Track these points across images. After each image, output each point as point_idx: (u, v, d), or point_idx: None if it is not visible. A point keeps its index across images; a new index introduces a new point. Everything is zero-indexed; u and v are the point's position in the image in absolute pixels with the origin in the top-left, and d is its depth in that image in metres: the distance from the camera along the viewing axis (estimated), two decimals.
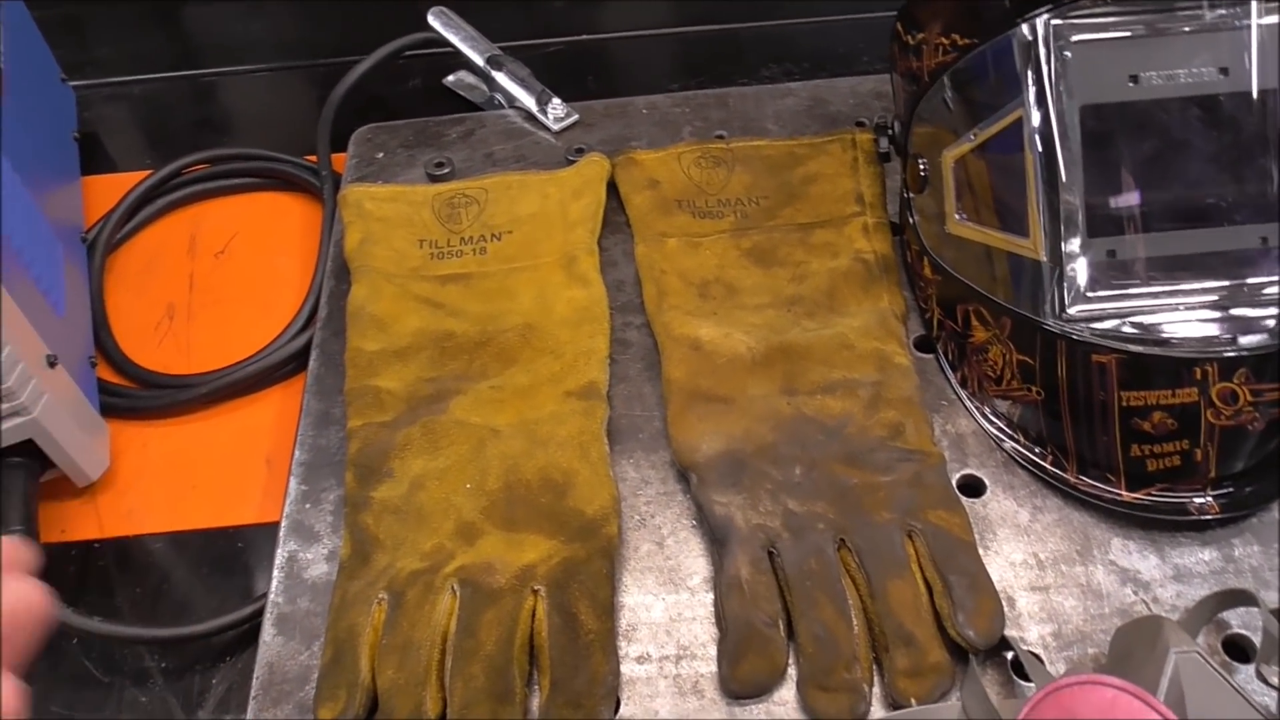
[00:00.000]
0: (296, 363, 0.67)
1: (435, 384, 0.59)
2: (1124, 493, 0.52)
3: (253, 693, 0.51)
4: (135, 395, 0.67)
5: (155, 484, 0.64)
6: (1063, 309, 0.51)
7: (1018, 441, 0.56)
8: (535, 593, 0.50)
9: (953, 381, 0.59)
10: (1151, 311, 0.51)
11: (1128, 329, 0.51)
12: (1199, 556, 0.52)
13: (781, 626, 0.49)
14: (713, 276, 0.63)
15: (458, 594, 0.50)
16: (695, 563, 0.54)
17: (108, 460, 0.63)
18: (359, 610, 0.50)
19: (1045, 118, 0.51)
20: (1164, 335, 0.50)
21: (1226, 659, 0.48)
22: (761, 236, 0.65)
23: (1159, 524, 0.53)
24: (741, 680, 0.48)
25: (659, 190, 0.67)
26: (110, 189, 0.76)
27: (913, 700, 0.47)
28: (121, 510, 0.63)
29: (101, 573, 0.60)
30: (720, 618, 0.50)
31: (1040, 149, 0.51)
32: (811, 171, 0.67)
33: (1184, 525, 0.52)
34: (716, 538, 0.52)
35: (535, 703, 0.48)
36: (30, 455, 0.58)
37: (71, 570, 0.60)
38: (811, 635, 0.48)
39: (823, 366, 0.58)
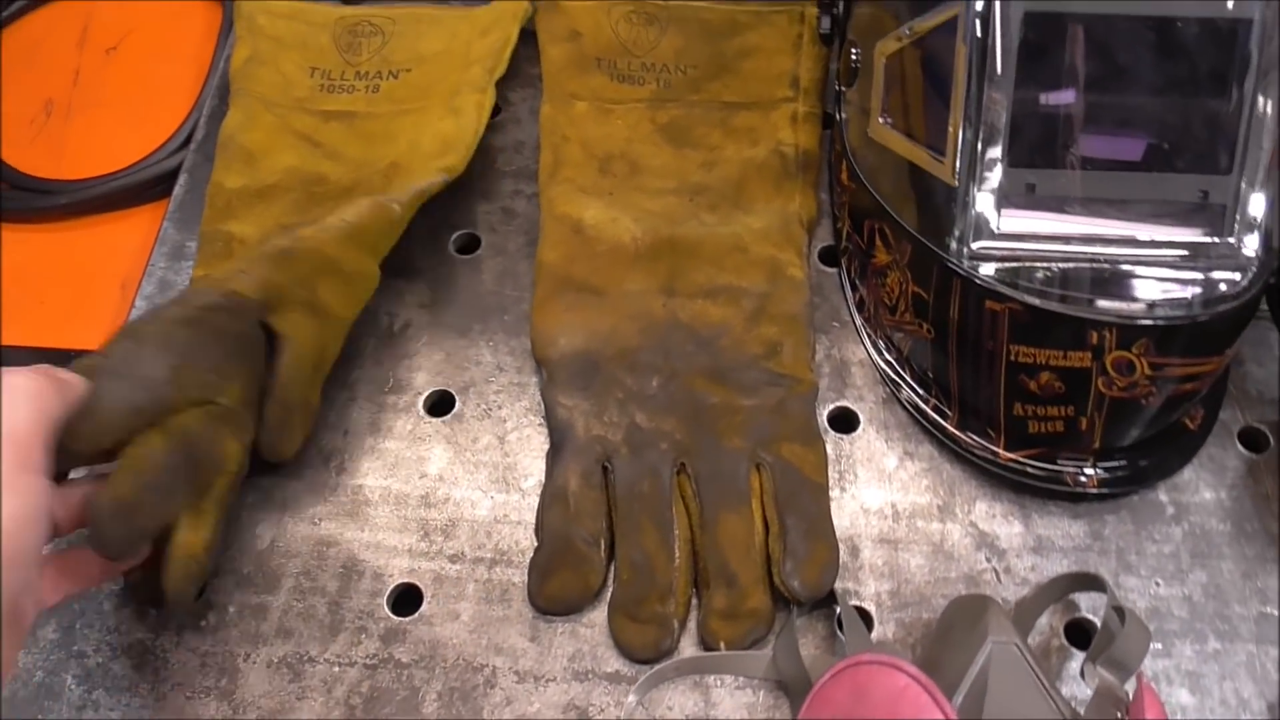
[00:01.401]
0: (167, 184, 0.62)
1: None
2: (1002, 452, 0.48)
3: None
4: None
5: (4, 291, 0.60)
6: (966, 241, 0.46)
7: (903, 379, 0.51)
8: None
9: (849, 302, 0.54)
10: (1061, 260, 0.45)
11: (1029, 277, 0.45)
12: (1065, 529, 0.48)
13: (602, 547, 0.46)
14: (618, 150, 0.57)
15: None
16: (533, 464, 0.50)
17: None
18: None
19: (984, 20, 0.44)
20: (1066, 291, 0.44)
21: (1065, 644, 0.45)
22: (680, 111, 0.59)
23: (1031, 490, 0.48)
24: (549, 596, 0.45)
25: (579, 44, 0.60)
26: None
27: (722, 644, 0.44)
28: None
29: None
30: (539, 528, 0.47)
31: (972, 56, 0.44)
32: (750, 44, 0.60)
33: (1059, 495, 0.48)
34: (553, 442, 0.49)
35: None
36: None
37: None
38: (629, 561, 0.45)
39: (710, 267, 0.53)
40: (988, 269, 0.45)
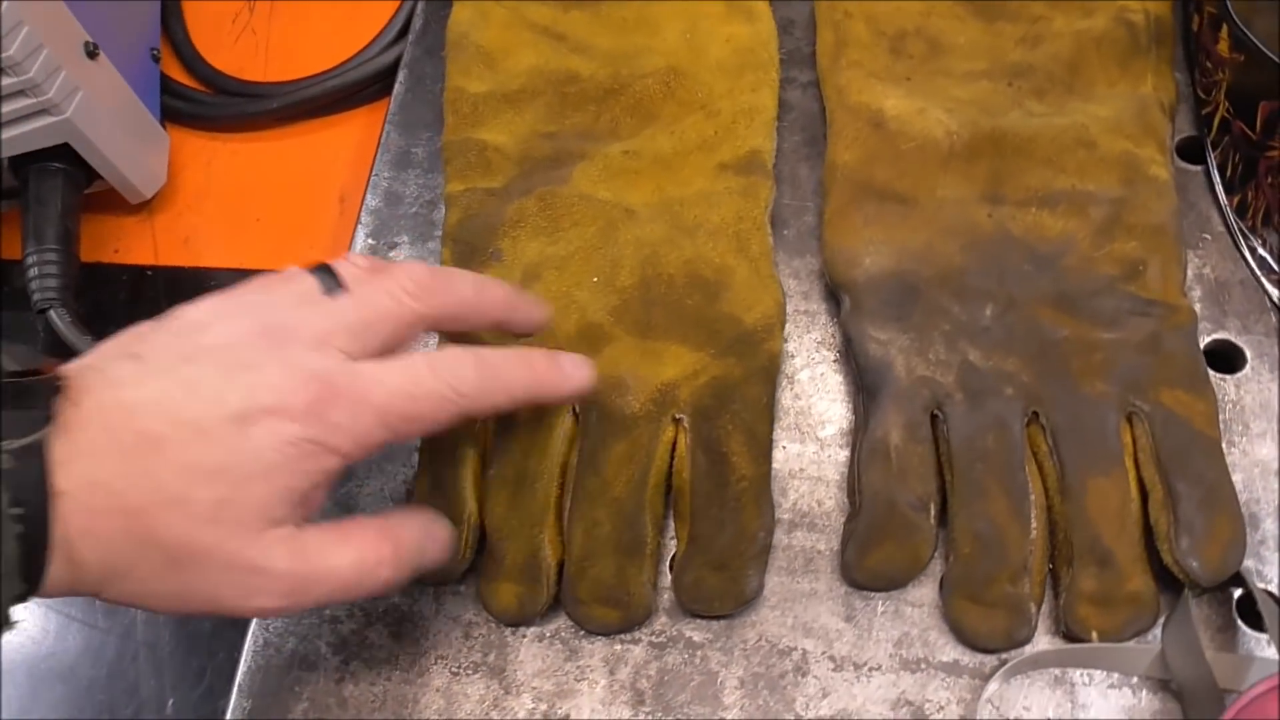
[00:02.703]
0: (384, 82, 0.55)
1: (554, 142, 0.47)
2: None
3: None
4: (203, 100, 0.57)
5: (217, 209, 0.55)
6: None
7: None
8: (677, 422, 0.39)
9: (1226, 208, 0.43)
10: None
11: None
12: None
13: (933, 512, 0.38)
14: (913, 26, 0.47)
15: (579, 417, 0.40)
16: (832, 408, 0.42)
17: (164, 175, 0.54)
18: (458, 431, 0.39)
19: None
20: None
21: None
22: None
23: None
24: (870, 570, 0.38)
25: None
26: None
27: (1094, 634, 0.36)
28: (178, 235, 0.54)
29: (151, 304, 0.53)
30: (855, 489, 0.39)
31: None
32: None
33: None
34: (866, 384, 0.40)
35: (670, 557, 0.40)
36: (72, 162, 0.50)
37: (122, 297, 0.53)
38: (971, 532, 0.37)
39: (1046, 169, 0.43)
40: None
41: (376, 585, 0.33)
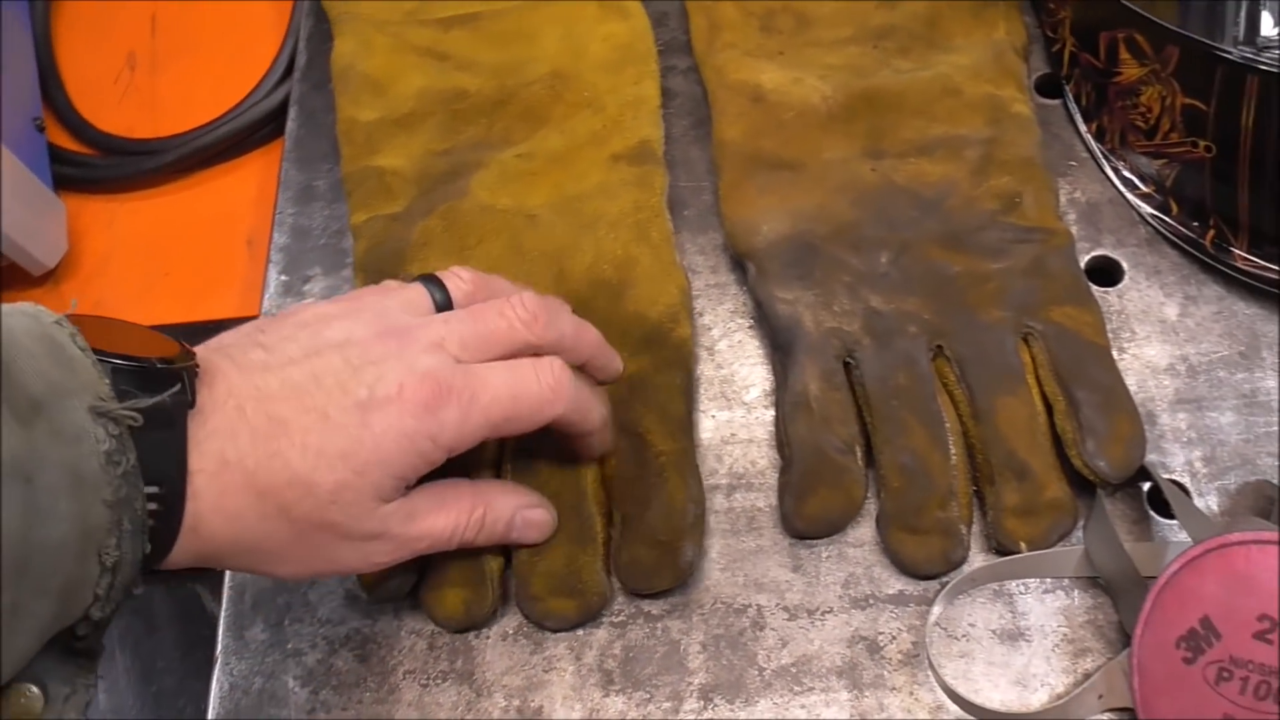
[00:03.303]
0: (276, 122, 0.56)
1: (449, 157, 0.48)
2: None
3: None
4: (95, 164, 0.57)
5: (125, 270, 0.55)
6: (1255, 31, 0.38)
7: (1168, 213, 0.43)
8: None
9: (1085, 134, 0.46)
10: None
11: None
12: None
13: (859, 453, 0.40)
14: (779, 4, 0.50)
15: None
16: (753, 372, 0.44)
17: (65, 244, 0.54)
18: None
19: None
20: None
21: None
22: None
23: None
24: (809, 517, 0.39)
25: None
26: None
27: (1023, 544, 0.38)
28: (89, 300, 0.54)
29: None
30: (783, 443, 0.41)
31: None
32: None
33: None
34: (780, 343, 0.42)
35: None
36: None
37: None
38: (897, 466, 0.39)
39: (919, 119, 0.45)
40: None
41: (467, 542, 0.36)
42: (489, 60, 0.51)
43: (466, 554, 0.39)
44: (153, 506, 0.29)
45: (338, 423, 0.32)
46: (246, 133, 0.56)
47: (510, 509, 0.37)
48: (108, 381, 0.28)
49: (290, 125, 0.53)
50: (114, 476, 0.27)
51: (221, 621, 0.41)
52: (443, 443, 0.33)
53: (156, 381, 0.29)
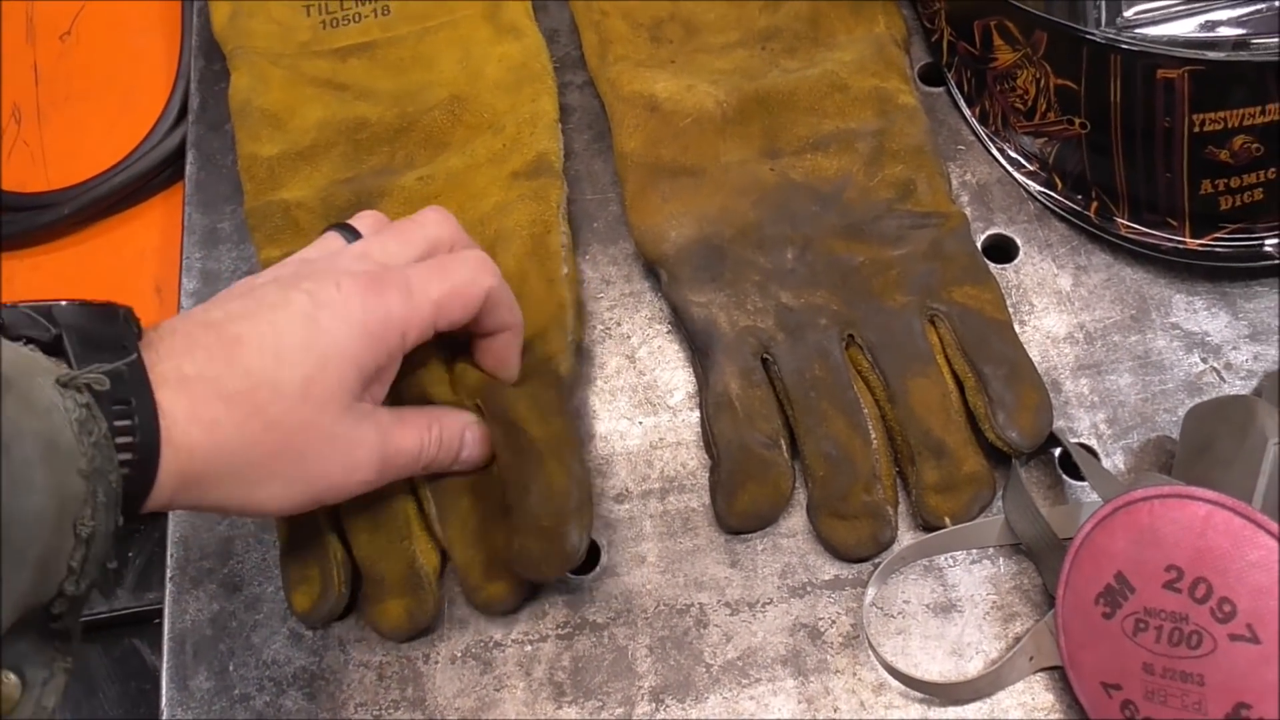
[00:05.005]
0: (174, 166, 0.55)
1: (353, 185, 0.48)
2: (1188, 240, 0.43)
3: (169, 573, 0.43)
4: None
5: None
6: (1115, 12, 0.40)
7: (1054, 188, 0.45)
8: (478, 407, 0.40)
9: (969, 118, 0.48)
10: (1228, 5, 0.39)
11: (1198, 35, 0.39)
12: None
13: (784, 446, 0.41)
14: (666, 14, 0.51)
15: None
16: (675, 376, 0.45)
17: None
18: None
19: None
20: (1246, 39, 0.39)
21: None
22: None
23: (1230, 273, 0.43)
24: (741, 513, 0.41)
25: None
26: None
27: (947, 519, 0.40)
28: None
29: None
30: (710, 443, 0.42)
31: None
32: None
33: (1260, 272, 0.43)
34: (697, 345, 0.43)
35: None
36: None
37: None
38: (821, 455, 0.40)
39: (810, 116, 0.46)
40: (1151, 34, 0.39)
41: (430, 460, 0.38)
42: (388, 88, 0.51)
43: (398, 562, 0.39)
44: (127, 439, 0.29)
45: (288, 328, 0.33)
46: (144, 179, 0.55)
47: (460, 425, 0.39)
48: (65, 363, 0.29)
49: (189, 169, 0.52)
50: (87, 445, 0.28)
51: (164, 674, 0.40)
52: (394, 324, 0.35)
53: (100, 319, 0.31)
